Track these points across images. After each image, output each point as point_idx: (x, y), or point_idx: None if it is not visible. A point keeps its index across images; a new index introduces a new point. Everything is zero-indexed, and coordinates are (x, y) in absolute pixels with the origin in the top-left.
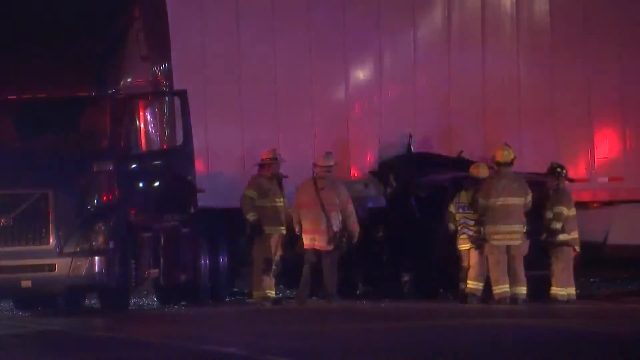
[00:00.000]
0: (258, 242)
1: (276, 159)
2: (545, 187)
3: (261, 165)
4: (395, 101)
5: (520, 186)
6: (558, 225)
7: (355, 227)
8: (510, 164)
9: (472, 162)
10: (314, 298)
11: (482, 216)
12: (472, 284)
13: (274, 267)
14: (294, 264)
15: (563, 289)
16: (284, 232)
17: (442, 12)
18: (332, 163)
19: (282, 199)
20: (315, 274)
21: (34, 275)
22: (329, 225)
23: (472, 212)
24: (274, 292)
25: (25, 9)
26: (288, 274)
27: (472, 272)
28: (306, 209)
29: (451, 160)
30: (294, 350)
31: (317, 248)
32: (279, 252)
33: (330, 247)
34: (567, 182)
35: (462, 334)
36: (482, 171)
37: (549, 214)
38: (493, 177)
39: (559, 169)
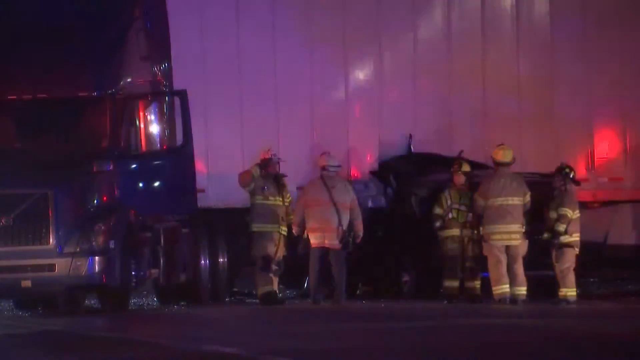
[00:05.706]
0: (257, 241)
1: (271, 158)
2: (551, 187)
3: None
4: (395, 101)
5: (519, 186)
6: (562, 228)
7: (361, 228)
8: (509, 163)
9: (473, 162)
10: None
11: (478, 216)
12: (448, 283)
13: (275, 267)
14: (294, 264)
15: (572, 290)
16: (284, 232)
17: (442, 12)
18: (339, 163)
19: (280, 199)
20: (321, 273)
21: (34, 275)
22: (340, 223)
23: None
24: (275, 288)
25: (25, 9)
26: (288, 274)
27: (448, 271)
28: (315, 208)
29: (451, 160)
30: (294, 350)
31: (327, 246)
32: (281, 252)
33: (340, 245)
34: (573, 185)
35: (462, 334)
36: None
37: (554, 214)
38: (492, 177)
39: (566, 170)
